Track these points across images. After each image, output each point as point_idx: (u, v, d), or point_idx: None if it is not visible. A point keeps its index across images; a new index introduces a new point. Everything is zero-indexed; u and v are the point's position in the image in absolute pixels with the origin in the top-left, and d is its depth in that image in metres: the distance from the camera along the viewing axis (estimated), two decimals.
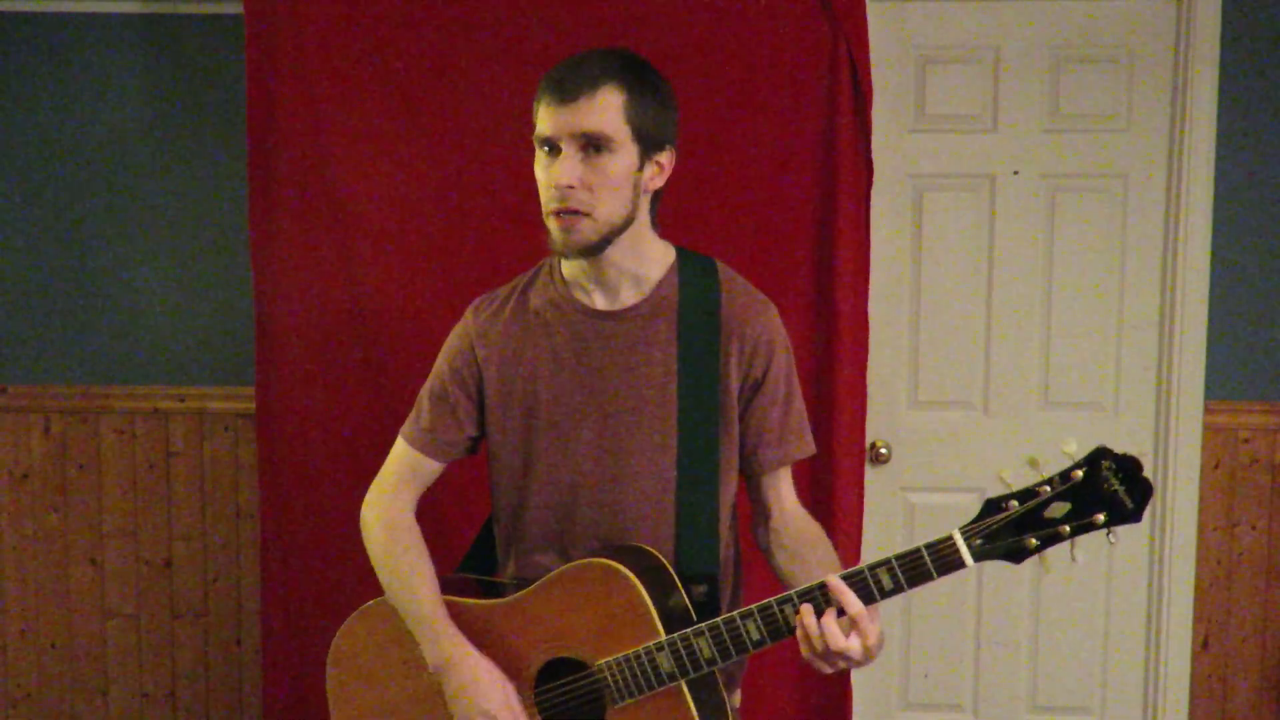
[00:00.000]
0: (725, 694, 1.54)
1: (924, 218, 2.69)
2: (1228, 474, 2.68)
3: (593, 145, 1.46)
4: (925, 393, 2.72)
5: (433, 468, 1.68)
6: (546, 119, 1.48)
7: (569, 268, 1.61)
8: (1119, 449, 1.32)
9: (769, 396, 1.59)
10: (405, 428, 1.69)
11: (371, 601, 1.70)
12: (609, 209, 1.49)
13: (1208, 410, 2.66)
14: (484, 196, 2.48)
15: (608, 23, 2.45)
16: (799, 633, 1.39)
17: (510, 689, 1.55)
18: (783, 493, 1.65)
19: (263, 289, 2.52)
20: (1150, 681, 2.74)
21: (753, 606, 1.43)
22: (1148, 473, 1.31)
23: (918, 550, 1.36)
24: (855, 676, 2.57)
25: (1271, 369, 2.67)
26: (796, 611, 1.40)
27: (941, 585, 2.69)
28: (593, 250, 1.51)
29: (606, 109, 1.46)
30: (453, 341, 1.67)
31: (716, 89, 2.45)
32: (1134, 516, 1.32)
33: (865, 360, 2.52)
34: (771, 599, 1.42)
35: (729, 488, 1.62)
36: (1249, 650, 2.73)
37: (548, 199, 1.49)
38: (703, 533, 1.55)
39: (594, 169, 1.47)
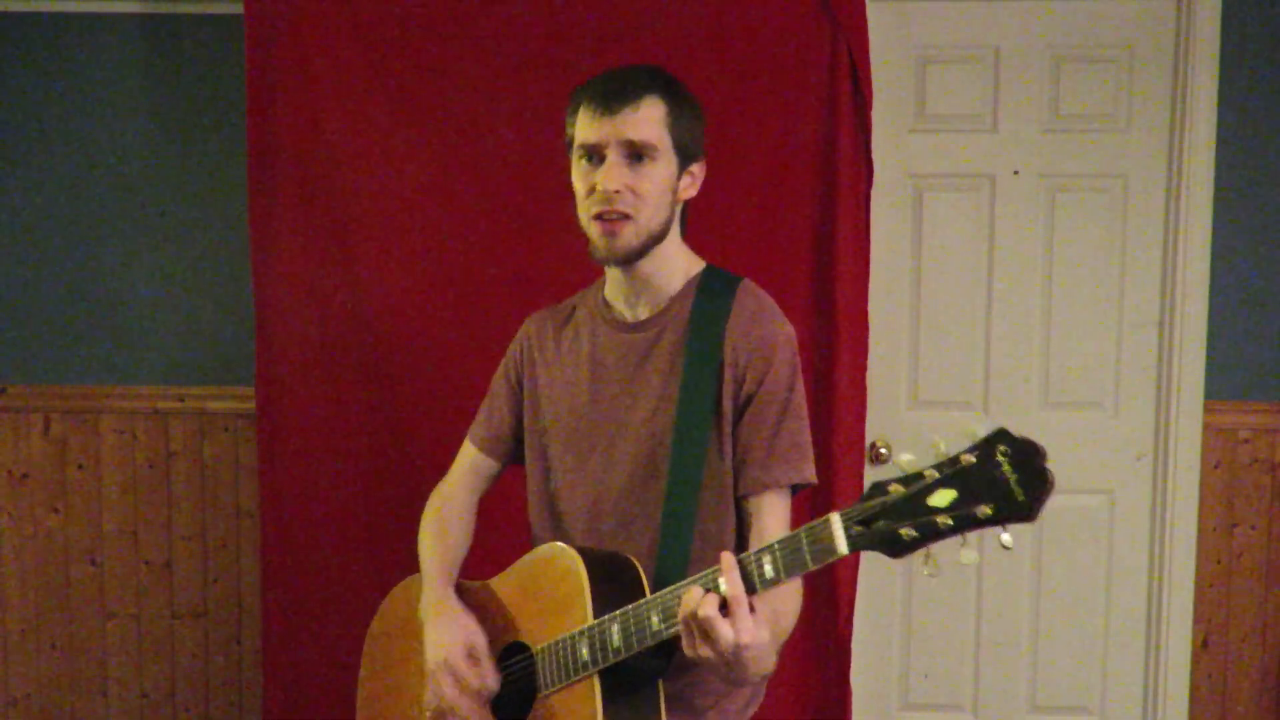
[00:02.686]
0: (664, 709, 1.46)
1: (924, 218, 2.69)
2: (1227, 474, 2.68)
3: (636, 153, 1.50)
4: (925, 393, 2.72)
5: (489, 465, 1.75)
6: (590, 127, 1.51)
7: (610, 282, 1.64)
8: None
9: (759, 415, 1.53)
10: (471, 427, 1.78)
11: (408, 578, 1.74)
12: (650, 215, 1.52)
13: (1208, 410, 2.65)
14: (484, 196, 2.48)
15: (609, 23, 2.45)
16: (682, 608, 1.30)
17: (479, 639, 1.54)
18: (766, 524, 1.51)
19: (263, 289, 2.52)
20: (1150, 681, 2.74)
21: (657, 594, 1.37)
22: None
23: (798, 534, 1.24)
24: (855, 677, 2.57)
25: (1271, 369, 2.67)
26: None
27: (942, 585, 2.73)
28: (633, 256, 1.53)
29: (650, 119, 1.50)
30: (511, 346, 1.75)
31: (717, 89, 2.45)
32: (1025, 512, 1.10)
33: (865, 360, 2.52)
34: (674, 585, 1.36)
35: (726, 507, 1.55)
36: (1249, 650, 2.73)
37: (590, 204, 1.52)
38: (679, 548, 1.52)
39: (638, 175, 1.51)
